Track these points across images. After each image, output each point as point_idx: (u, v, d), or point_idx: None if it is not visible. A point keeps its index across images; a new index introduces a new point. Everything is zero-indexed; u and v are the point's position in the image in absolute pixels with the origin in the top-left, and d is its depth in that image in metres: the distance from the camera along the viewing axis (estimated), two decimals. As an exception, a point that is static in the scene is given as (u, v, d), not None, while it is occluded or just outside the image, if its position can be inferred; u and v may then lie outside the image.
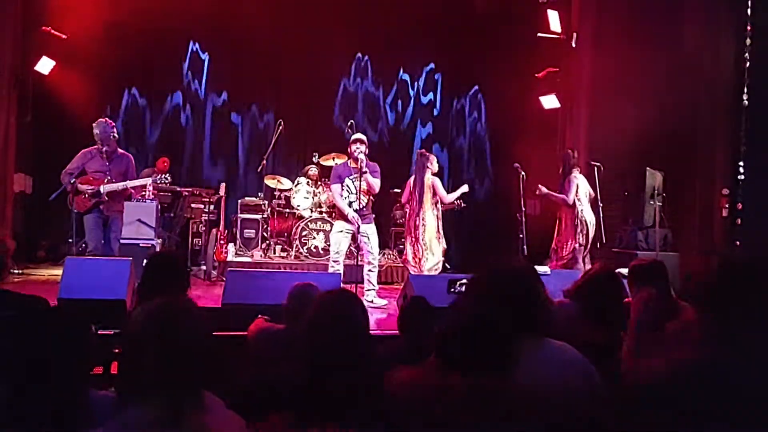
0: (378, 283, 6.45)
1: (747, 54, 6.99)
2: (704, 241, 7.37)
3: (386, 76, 10.50)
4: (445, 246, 6.79)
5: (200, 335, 1.60)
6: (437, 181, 6.71)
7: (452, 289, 3.04)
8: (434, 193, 6.65)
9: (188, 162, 9.90)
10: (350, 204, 6.20)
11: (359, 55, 10.25)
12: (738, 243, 7.01)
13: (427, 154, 6.87)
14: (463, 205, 7.07)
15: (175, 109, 10.03)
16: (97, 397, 1.81)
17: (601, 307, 2.91)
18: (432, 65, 10.67)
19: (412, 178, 6.82)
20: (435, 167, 6.75)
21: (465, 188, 6.90)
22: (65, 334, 1.79)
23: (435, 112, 10.81)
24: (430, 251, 6.62)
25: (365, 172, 6.09)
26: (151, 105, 9.94)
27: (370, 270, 6.25)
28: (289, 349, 2.60)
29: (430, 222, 6.62)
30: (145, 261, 6.42)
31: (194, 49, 9.97)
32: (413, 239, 6.67)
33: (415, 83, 10.71)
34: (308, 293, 3.11)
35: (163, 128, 9.98)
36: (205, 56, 10.03)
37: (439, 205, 6.71)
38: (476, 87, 10.56)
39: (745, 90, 6.99)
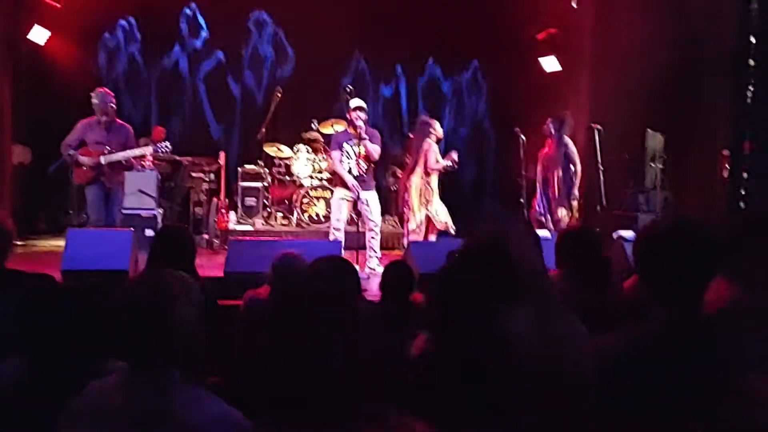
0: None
1: (753, 12, 6.87)
2: (705, 202, 7.37)
3: (384, 43, 10.32)
4: (431, 213, 6.61)
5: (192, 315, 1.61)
6: (432, 149, 6.55)
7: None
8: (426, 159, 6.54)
9: (187, 130, 9.83)
10: (350, 170, 6.18)
11: (358, 29, 10.06)
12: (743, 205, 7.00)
13: (430, 120, 6.75)
14: (456, 165, 6.96)
15: (173, 76, 9.94)
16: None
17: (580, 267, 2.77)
18: (429, 29, 10.54)
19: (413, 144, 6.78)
20: (439, 133, 6.66)
21: (446, 163, 6.68)
22: (76, 312, 1.82)
23: (432, 77, 10.70)
24: (412, 213, 6.60)
25: (364, 139, 6.07)
26: (149, 72, 9.85)
27: (372, 237, 6.27)
28: (272, 319, 2.64)
29: (414, 184, 6.56)
30: (148, 231, 6.51)
31: (190, 13, 9.83)
32: (403, 201, 6.71)
33: (412, 48, 10.59)
34: (292, 263, 3.14)
35: (161, 95, 9.91)
36: (201, 20, 9.88)
37: (431, 170, 6.57)
38: (475, 51, 10.39)
39: (752, 48, 6.89)
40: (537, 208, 6.97)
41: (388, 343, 2.22)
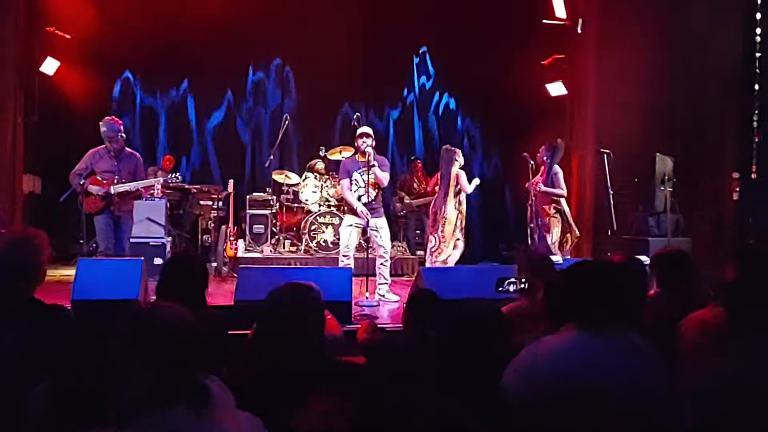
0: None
1: (757, 36, 6.91)
2: (716, 225, 7.33)
3: (389, 64, 10.43)
4: (458, 240, 6.81)
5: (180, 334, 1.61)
6: (462, 174, 6.79)
7: (500, 288, 2.98)
8: (457, 186, 6.78)
9: (195, 159, 9.90)
10: (359, 198, 6.18)
11: (364, 55, 10.13)
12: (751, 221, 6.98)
13: (454, 148, 6.95)
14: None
15: (181, 106, 10.04)
16: None
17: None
18: (435, 55, 10.65)
19: (439, 173, 6.99)
20: (461, 161, 6.89)
21: (477, 181, 7.01)
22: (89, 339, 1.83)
23: (440, 102, 10.77)
24: (446, 244, 6.72)
25: (373, 166, 6.07)
26: (157, 103, 9.95)
27: (382, 264, 6.23)
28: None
29: (450, 216, 6.74)
30: (157, 259, 6.48)
31: (198, 48, 9.92)
32: (434, 231, 6.83)
33: (418, 73, 10.68)
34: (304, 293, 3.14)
35: (169, 126, 10.00)
36: (210, 53, 9.97)
37: (462, 199, 6.80)
38: (482, 75, 10.45)
39: (756, 71, 6.91)
40: (530, 235, 7.02)
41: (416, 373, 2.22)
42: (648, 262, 5.28)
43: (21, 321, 2.24)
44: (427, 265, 6.76)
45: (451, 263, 6.74)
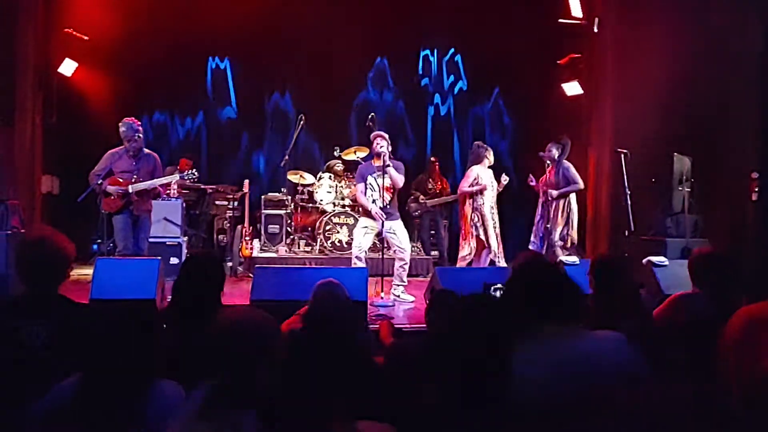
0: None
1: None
2: (735, 225, 7.23)
3: (404, 67, 10.44)
4: (477, 239, 6.79)
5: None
6: (473, 172, 6.78)
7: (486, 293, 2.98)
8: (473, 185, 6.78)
9: (210, 160, 9.95)
10: (374, 202, 6.19)
11: (380, 52, 10.14)
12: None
13: (485, 145, 6.96)
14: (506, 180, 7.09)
15: (197, 107, 10.11)
16: (166, 387, 1.94)
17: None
18: (451, 54, 10.63)
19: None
20: (491, 159, 6.92)
21: (506, 178, 7.02)
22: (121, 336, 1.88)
23: (455, 102, 10.75)
24: (467, 240, 6.80)
25: (388, 166, 6.07)
26: (172, 105, 10.02)
27: (401, 266, 6.23)
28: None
29: (467, 212, 6.80)
30: (173, 259, 6.51)
31: (216, 60, 10.05)
32: (463, 234, 6.91)
33: (435, 74, 10.67)
34: (334, 293, 3.12)
35: (185, 127, 10.07)
36: (225, 58, 10.05)
37: (482, 198, 6.75)
38: (497, 75, 10.42)
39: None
40: (535, 236, 6.98)
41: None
42: (665, 262, 5.26)
43: (52, 318, 2.28)
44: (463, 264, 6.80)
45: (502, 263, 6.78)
